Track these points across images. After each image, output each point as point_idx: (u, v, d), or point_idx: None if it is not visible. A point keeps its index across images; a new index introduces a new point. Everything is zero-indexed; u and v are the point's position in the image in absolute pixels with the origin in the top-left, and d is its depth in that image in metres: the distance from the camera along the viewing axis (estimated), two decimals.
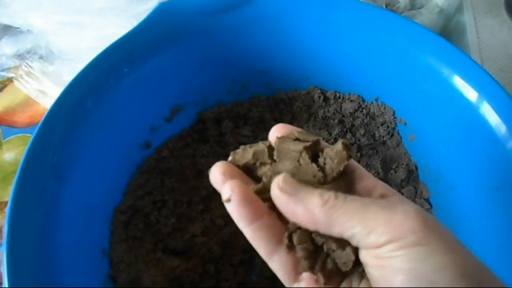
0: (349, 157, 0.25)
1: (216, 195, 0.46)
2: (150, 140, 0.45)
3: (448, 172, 0.43)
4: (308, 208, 0.21)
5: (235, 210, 0.24)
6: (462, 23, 0.56)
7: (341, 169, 0.24)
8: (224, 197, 0.24)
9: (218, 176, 0.25)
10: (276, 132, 0.27)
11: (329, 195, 0.21)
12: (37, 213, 0.33)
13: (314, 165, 0.24)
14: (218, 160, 0.46)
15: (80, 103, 0.36)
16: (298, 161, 0.25)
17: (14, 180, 0.32)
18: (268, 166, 0.25)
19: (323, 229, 0.22)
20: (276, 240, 0.24)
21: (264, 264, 0.42)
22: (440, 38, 0.41)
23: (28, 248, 0.32)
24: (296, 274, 0.24)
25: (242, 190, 0.23)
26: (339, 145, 0.25)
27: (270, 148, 0.26)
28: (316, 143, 0.26)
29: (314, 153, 0.25)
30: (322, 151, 0.25)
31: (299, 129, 0.27)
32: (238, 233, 0.42)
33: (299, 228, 0.23)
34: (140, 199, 0.43)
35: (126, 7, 0.49)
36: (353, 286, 0.23)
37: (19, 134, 0.55)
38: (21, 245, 0.32)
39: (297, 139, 0.26)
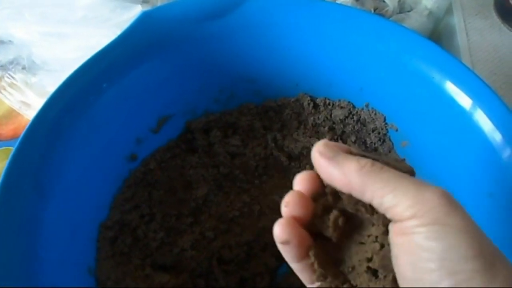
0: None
1: (205, 207, 0.45)
2: (137, 153, 0.44)
3: (441, 178, 0.42)
4: (345, 172, 0.22)
5: (290, 251, 0.25)
6: (452, 25, 0.55)
7: None
8: (281, 240, 0.25)
9: (286, 236, 0.25)
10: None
11: (366, 161, 0.22)
12: (19, 232, 0.32)
13: None
14: (206, 171, 0.46)
15: (59, 119, 0.35)
16: None
17: None
18: None
19: (355, 193, 0.23)
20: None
21: (256, 277, 0.41)
22: (430, 43, 0.40)
23: (10, 269, 0.31)
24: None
25: (299, 234, 0.25)
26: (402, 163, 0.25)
27: None
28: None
29: None
30: None
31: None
32: (228, 246, 0.42)
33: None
34: (127, 213, 0.42)
35: (110, 16, 0.48)
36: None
37: (3, 147, 0.53)
38: (2, 266, 0.30)
39: None
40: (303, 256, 0.25)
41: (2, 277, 0.30)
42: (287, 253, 0.25)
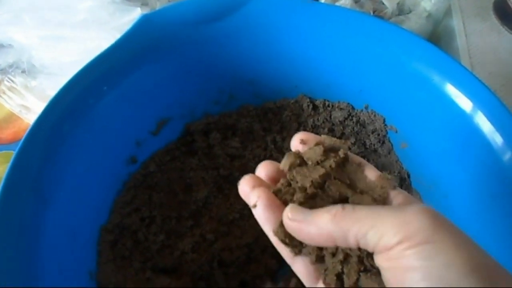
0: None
1: (205, 209, 0.45)
2: (136, 155, 0.44)
3: (441, 180, 0.42)
4: (321, 227, 0.22)
5: (260, 214, 0.25)
6: (451, 27, 0.55)
7: (386, 195, 0.25)
8: (251, 203, 0.26)
9: (247, 189, 0.26)
10: (296, 141, 0.28)
11: (336, 208, 0.22)
12: (19, 235, 0.32)
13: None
14: (206, 173, 0.46)
15: (59, 123, 0.35)
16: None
17: None
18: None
19: (340, 243, 0.22)
20: None
21: (257, 279, 0.41)
22: (429, 45, 0.40)
23: (11, 273, 0.31)
24: (317, 276, 0.25)
25: (267, 196, 0.25)
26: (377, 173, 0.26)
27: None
28: (345, 159, 0.26)
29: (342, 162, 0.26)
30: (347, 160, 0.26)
31: (324, 137, 0.27)
32: (229, 249, 0.41)
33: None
34: (128, 216, 0.42)
35: (109, 19, 0.48)
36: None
37: (3, 151, 0.53)
38: (4, 271, 0.30)
39: (326, 149, 0.26)
40: (274, 221, 0.25)
41: (3, 281, 0.30)
42: (260, 218, 0.26)
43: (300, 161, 0.27)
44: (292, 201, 0.25)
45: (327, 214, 0.22)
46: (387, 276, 0.21)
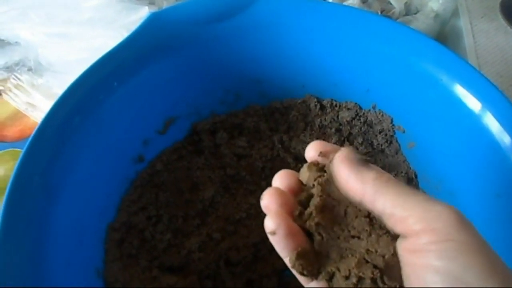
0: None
1: (212, 208, 0.45)
2: (144, 154, 0.44)
3: (448, 179, 0.42)
4: (362, 179, 0.23)
5: (279, 242, 0.25)
6: (458, 27, 0.55)
7: None
8: (268, 229, 0.25)
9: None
10: (314, 150, 0.27)
11: (384, 173, 0.23)
12: (27, 232, 0.32)
13: None
14: (213, 172, 0.46)
15: (68, 119, 0.35)
16: None
17: (3, 199, 0.31)
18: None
19: (367, 201, 0.23)
20: None
21: (264, 278, 0.41)
22: (438, 44, 0.40)
23: (18, 269, 0.31)
24: None
25: (287, 224, 0.25)
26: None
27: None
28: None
29: None
30: None
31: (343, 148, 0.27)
32: (236, 248, 0.41)
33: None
34: (134, 215, 0.42)
35: (116, 17, 0.48)
36: None
37: (9, 149, 0.53)
38: (11, 268, 0.30)
39: None
40: (292, 249, 0.25)
41: (10, 278, 0.30)
42: (277, 245, 0.25)
43: (323, 173, 0.26)
44: (317, 224, 0.25)
45: (374, 173, 0.23)
46: (407, 271, 0.21)
